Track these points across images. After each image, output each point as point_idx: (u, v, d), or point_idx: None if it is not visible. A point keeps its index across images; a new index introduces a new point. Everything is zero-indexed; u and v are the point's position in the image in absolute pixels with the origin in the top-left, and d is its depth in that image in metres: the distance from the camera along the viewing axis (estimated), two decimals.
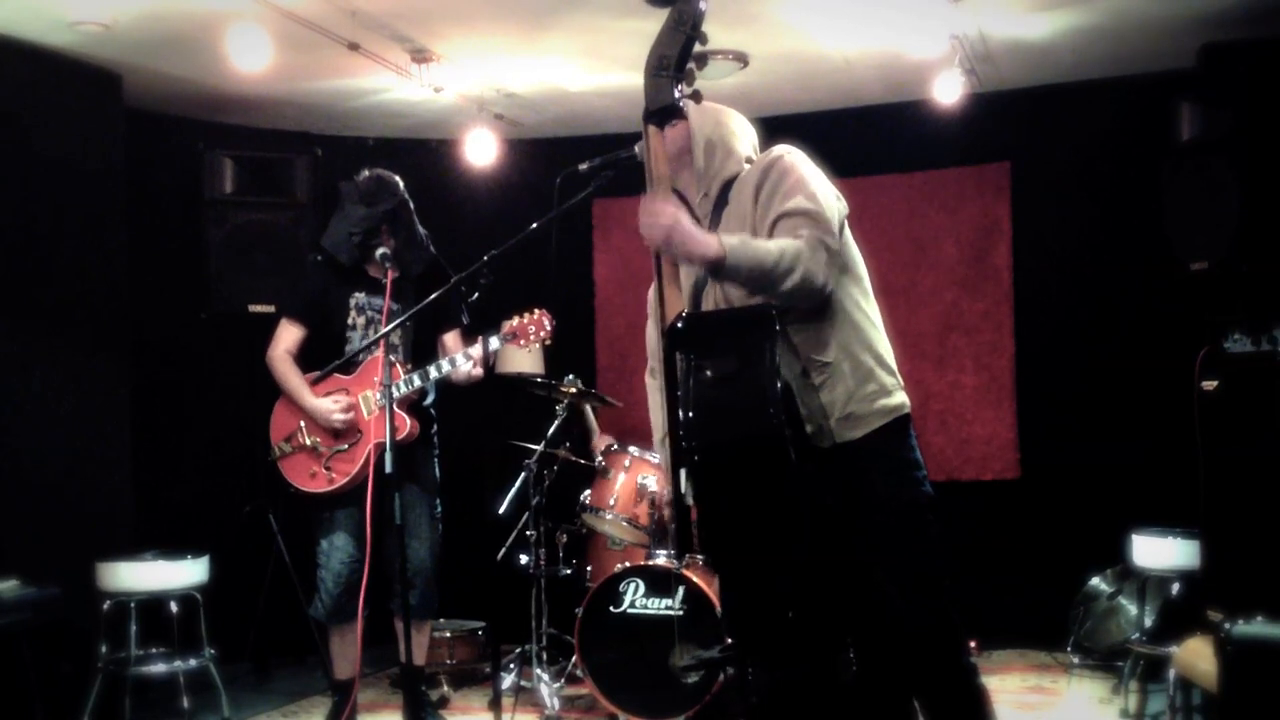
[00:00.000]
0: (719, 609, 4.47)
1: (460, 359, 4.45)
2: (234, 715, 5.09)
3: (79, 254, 5.15)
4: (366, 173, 4.68)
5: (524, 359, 5.93)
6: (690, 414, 2.63)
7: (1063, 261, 6.01)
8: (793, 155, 2.97)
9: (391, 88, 5.64)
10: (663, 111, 2.76)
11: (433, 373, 4.45)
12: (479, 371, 4.44)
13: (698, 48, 2.77)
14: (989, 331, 6.12)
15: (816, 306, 2.91)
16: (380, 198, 4.58)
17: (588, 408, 5.67)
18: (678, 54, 2.73)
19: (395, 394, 4.19)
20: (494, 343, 4.44)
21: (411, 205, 4.68)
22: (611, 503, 5.09)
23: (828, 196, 2.91)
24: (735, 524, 2.72)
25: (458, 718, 5.15)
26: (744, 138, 3.10)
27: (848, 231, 3.01)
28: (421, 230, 4.70)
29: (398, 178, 4.69)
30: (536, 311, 4.47)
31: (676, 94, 2.74)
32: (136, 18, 4.68)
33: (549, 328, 4.47)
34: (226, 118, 6.11)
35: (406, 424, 4.49)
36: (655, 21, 2.78)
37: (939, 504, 3.01)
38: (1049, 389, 6.00)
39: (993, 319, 6.11)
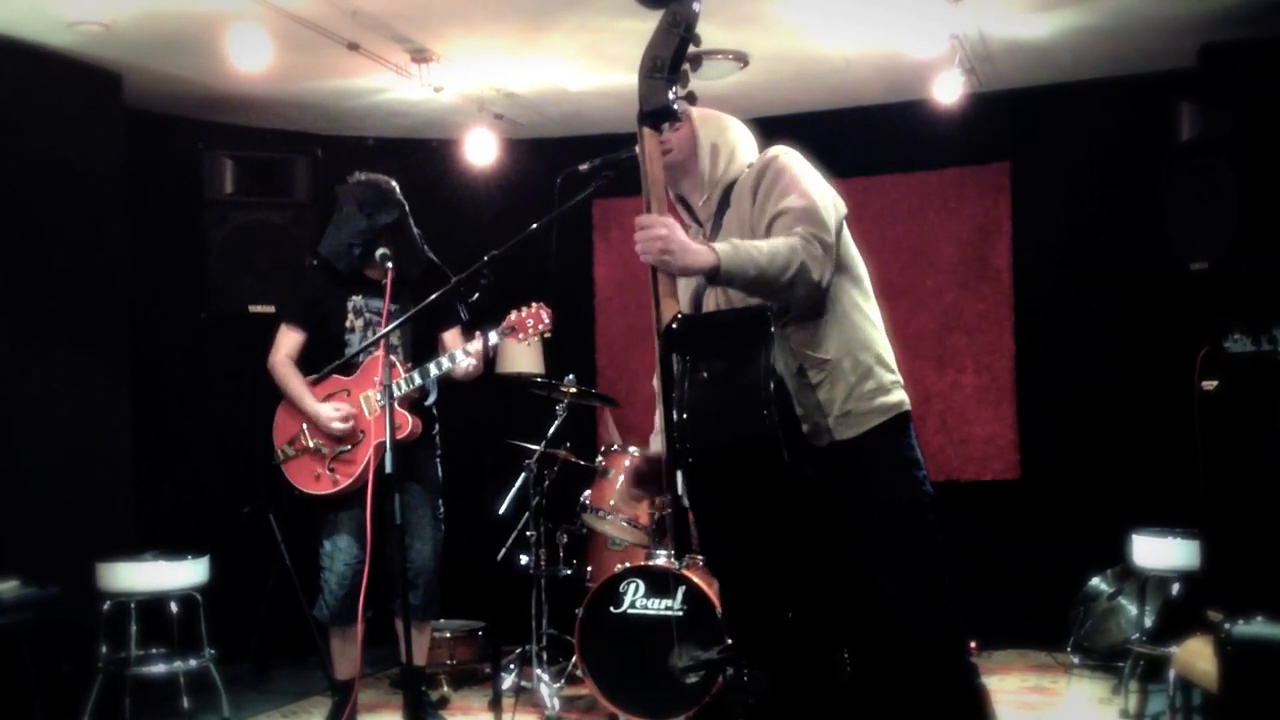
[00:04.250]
0: (720, 609, 4.47)
1: (460, 355, 4.44)
2: (234, 715, 5.09)
3: (79, 254, 5.15)
4: (363, 177, 4.65)
5: (524, 358, 5.93)
6: (684, 416, 2.62)
7: (1063, 261, 6.01)
8: (788, 156, 2.98)
9: (391, 88, 5.64)
10: (657, 113, 2.76)
11: (433, 370, 4.45)
12: (478, 366, 4.44)
13: (692, 49, 2.76)
14: (989, 331, 6.12)
15: (815, 306, 2.91)
16: (382, 209, 4.56)
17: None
18: (671, 56, 2.73)
19: (396, 393, 4.19)
20: (493, 337, 4.44)
21: (407, 208, 4.67)
22: (612, 503, 5.09)
23: (823, 195, 2.92)
24: (730, 526, 2.72)
25: (458, 718, 5.15)
26: (745, 143, 3.11)
27: (846, 232, 3.01)
28: (416, 231, 4.70)
29: (394, 182, 4.67)
30: (534, 304, 4.46)
31: (670, 96, 2.74)
32: (136, 18, 4.68)
33: (547, 320, 4.46)
34: (226, 118, 6.11)
35: (409, 422, 4.49)
36: (654, 22, 2.78)
37: (939, 504, 3.01)
38: (1049, 389, 5.99)
39: (993, 319, 6.11)
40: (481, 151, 5.95)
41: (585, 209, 5.88)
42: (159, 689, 5.07)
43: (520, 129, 6.37)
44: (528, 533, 5.14)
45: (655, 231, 2.71)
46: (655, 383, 3.22)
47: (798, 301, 2.84)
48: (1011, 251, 6.08)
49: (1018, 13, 4.91)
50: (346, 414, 4.52)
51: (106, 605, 4.92)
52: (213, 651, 5.07)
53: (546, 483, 5.19)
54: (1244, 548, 4.30)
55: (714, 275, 2.73)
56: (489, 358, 4.44)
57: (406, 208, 4.65)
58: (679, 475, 2.65)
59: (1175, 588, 4.82)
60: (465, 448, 5.30)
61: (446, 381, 4.58)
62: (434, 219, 4.95)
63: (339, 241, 4.58)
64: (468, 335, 4.68)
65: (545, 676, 5.01)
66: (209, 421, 6.10)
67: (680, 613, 4.60)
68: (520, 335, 4.46)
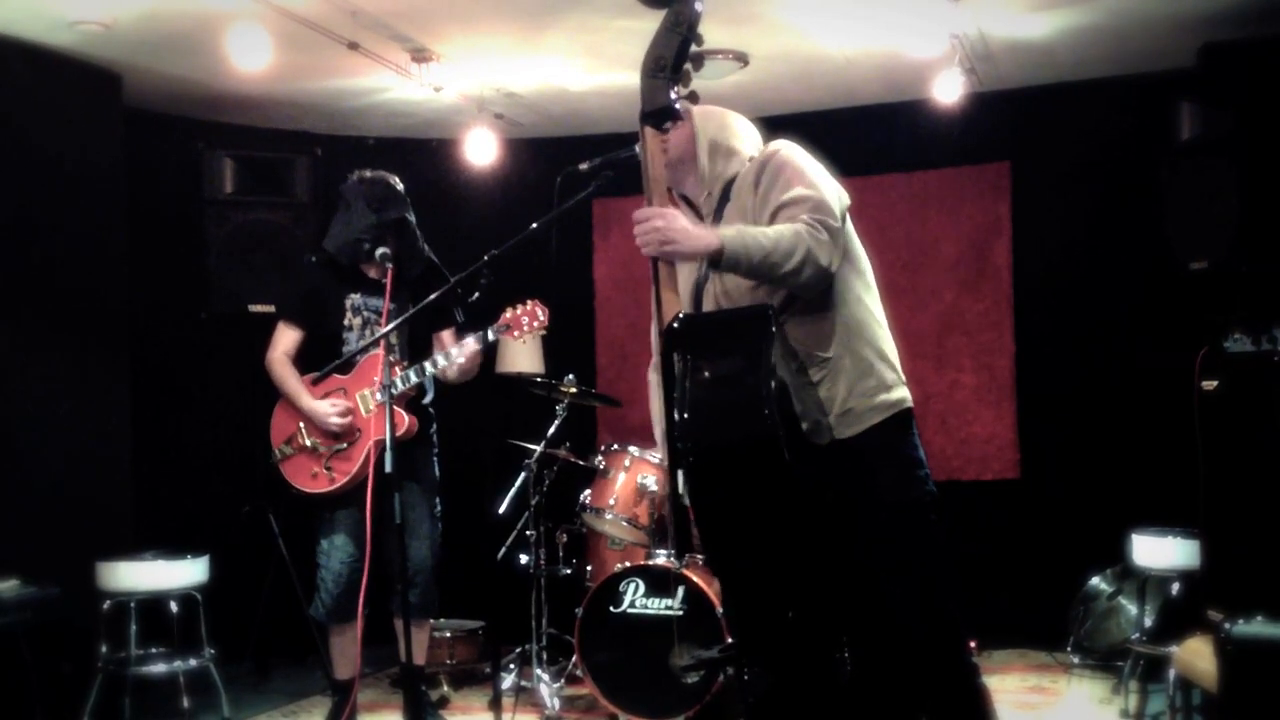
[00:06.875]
0: (719, 609, 4.47)
1: (453, 353, 4.43)
2: (234, 715, 5.09)
3: (79, 254, 5.15)
4: (369, 174, 4.65)
5: (524, 358, 5.92)
6: (686, 415, 2.62)
7: (1063, 261, 6.00)
8: (789, 149, 2.98)
9: (391, 87, 5.64)
10: (659, 113, 2.77)
11: (428, 368, 4.45)
12: (469, 368, 4.43)
13: (694, 49, 2.77)
14: (989, 331, 6.12)
15: (819, 300, 2.91)
16: (390, 205, 4.56)
17: None
18: (674, 55, 2.74)
19: (393, 391, 4.19)
20: (489, 335, 4.44)
21: (410, 204, 4.68)
22: (611, 503, 5.09)
23: (826, 185, 2.91)
24: (731, 525, 2.72)
25: (458, 718, 5.15)
26: (747, 139, 3.10)
27: (850, 224, 3.01)
28: (417, 232, 4.70)
29: (398, 179, 4.68)
30: (530, 302, 4.45)
31: (672, 95, 2.75)
32: (136, 18, 4.68)
33: (543, 318, 4.43)
34: (226, 118, 6.11)
35: (405, 420, 4.49)
36: (655, 21, 2.79)
37: (941, 503, 3.01)
38: (1049, 389, 5.99)
39: (993, 319, 6.11)
40: (481, 151, 5.95)
41: (585, 209, 5.85)
42: (159, 689, 5.07)
43: (520, 129, 6.37)
44: (527, 532, 5.14)
45: (652, 224, 2.71)
46: (650, 374, 3.23)
47: (804, 287, 2.83)
48: (1011, 251, 6.08)
49: (1018, 13, 4.91)
50: (343, 409, 4.52)
51: (106, 605, 4.91)
52: (212, 651, 5.07)
53: (546, 482, 5.18)
54: (1244, 548, 4.30)
55: (718, 259, 2.73)
56: (488, 356, 4.42)
57: (409, 204, 4.66)
58: (680, 474, 2.66)
59: (1175, 588, 4.82)
60: (465, 448, 5.29)
61: (444, 382, 4.58)
62: (434, 219, 4.95)
63: (347, 237, 4.57)
64: (462, 337, 4.67)
65: (545, 676, 5.01)
66: (209, 421, 6.10)
67: (680, 612, 4.60)
68: (516, 333, 4.44)
